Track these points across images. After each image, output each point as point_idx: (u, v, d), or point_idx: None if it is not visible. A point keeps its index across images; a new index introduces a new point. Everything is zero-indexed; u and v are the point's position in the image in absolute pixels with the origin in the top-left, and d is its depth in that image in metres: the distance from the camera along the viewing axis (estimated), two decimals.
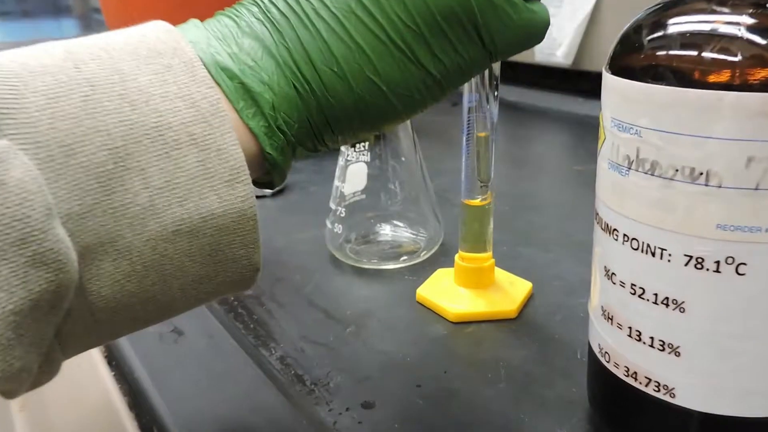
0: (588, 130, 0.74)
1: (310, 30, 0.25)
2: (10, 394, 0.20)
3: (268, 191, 0.58)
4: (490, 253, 0.39)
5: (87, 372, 0.40)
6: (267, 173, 0.25)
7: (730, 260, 0.21)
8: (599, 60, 0.79)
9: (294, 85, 0.24)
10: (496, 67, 0.35)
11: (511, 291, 0.39)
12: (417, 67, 0.25)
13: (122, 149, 0.21)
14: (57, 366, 0.22)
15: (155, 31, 0.23)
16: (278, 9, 0.25)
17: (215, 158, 0.22)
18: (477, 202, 0.38)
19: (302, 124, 0.25)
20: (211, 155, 0.22)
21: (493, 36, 0.26)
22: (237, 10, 0.26)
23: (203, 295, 0.24)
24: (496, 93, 0.36)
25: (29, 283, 0.18)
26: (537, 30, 0.27)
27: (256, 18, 0.25)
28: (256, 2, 0.25)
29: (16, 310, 0.18)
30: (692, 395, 0.23)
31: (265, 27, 0.25)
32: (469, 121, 0.36)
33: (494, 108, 0.36)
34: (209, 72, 0.23)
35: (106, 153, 0.20)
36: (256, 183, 0.26)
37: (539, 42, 0.28)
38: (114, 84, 0.21)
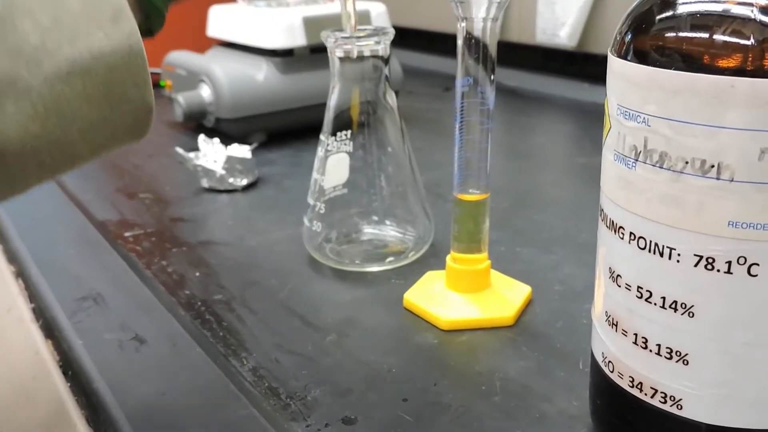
0: (594, 119, 0.75)
1: None
2: None
3: (239, 185, 0.58)
4: (485, 254, 0.40)
5: (41, 382, 0.40)
6: (147, 18, 0.30)
7: (742, 260, 0.22)
8: (606, 42, 0.80)
9: None
10: (493, 47, 0.36)
11: (508, 296, 0.40)
12: None
13: None
14: None
15: None
16: None
17: None
18: (472, 197, 0.38)
19: None
20: None
21: None
22: None
23: (104, 140, 0.28)
24: (492, 76, 0.37)
25: None
26: None
27: None
28: None
29: None
30: (700, 407, 0.24)
31: None
32: (462, 107, 0.37)
33: (490, 93, 0.37)
34: None
35: None
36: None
37: None
38: None
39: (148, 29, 0.31)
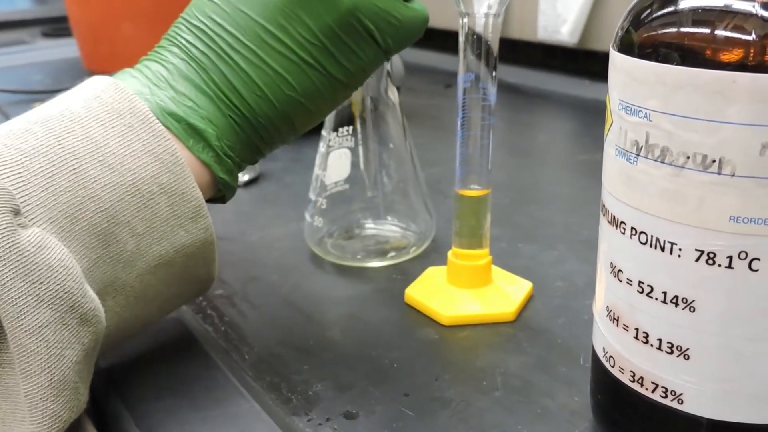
0: (595, 116, 0.75)
1: (230, 63, 0.32)
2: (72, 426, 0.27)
3: (240, 181, 0.58)
4: (486, 250, 0.40)
5: None
6: (219, 191, 0.33)
7: (743, 255, 0.22)
8: (608, 38, 0.80)
9: (229, 115, 0.32)
10: (494, 43, 0.36)
11: (509, 291, 0.40)
12: (327, 76, 0.33)
13: (111, 209, 0.28)
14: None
15: (107, 90, 0.30)
16: (197, 48, 0.32)
17: (180, 201, 0.30)
18: (473, 192, 0.39)
19: (242, 146, 0.33)
20: (177, 199, 0.30)
21: (385, 36, 0.34)
22: (161, 54, 0.33)
23: (173, 307, 0.34)
24: (494, 73, 0.37)
25: (82, 338, 0.26)
26: (419, 25, 0.36)
27: (180, 59, 0.32)
28: (175, 44, 0.32)
29: (78, 360, 0.26)
30: (701, 401, 0.24)
31: (191, 66, 0.32)
32: (464, 102, 0.37)
33: (492, 89, 0.37)
34: (158, 119, 0.30)
35: (100, 215, 0.28)
36: (211, 200, 0.34)
37: (422, 35, 0.36)
38: (92, 153, 0.28)
39: (221, 197, 0.34)
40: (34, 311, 0.24)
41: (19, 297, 0.24)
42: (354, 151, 0.45)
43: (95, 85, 0.31)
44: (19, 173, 0.26)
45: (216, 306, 0.40)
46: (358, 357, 0.36)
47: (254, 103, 0.32)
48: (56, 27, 1.36)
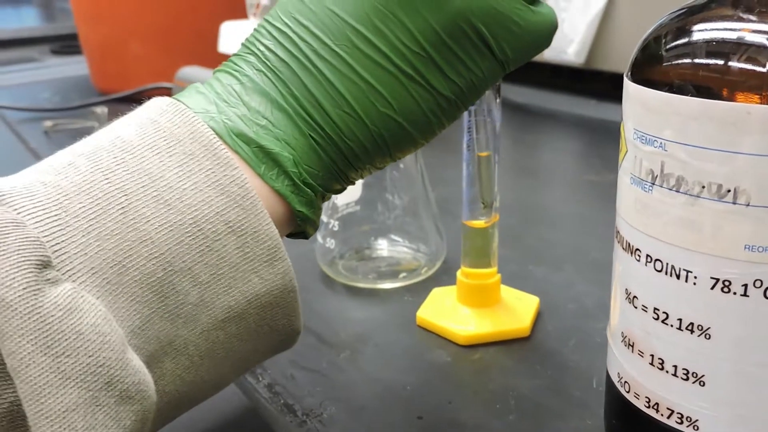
0: (602, 136, 0.76)
1: (314, 73, 0.26)
2: None
3: None
4: (494, 269, 0.40)
5: None
6: (298, 226, 0.28)
7: (758, 283, 0.23)
8: (614, 59, 0.81)
9: (310, 135, 0.26)
10: None
11: (519, 308, 0.40)
12: (430, 92, 0.27)
13: (168, 254, 0.23)
14: None
15: (165, 113, 0.25)
16: (277, 56, 0.27)
17: (252, 242, 0.25)
18: (480, 223, 0.39)
19: (325, 172, 0.27)
20: (248, 240, 0.25)
21: (502, 45, 0.28)
22: (235, 64, 0.27)
23: (250, 365, 0.28)
24: (498, 98, 0.37)
25: (123, 420, 0.21)
26: (546, 33, 0.29)
27: (257, 69, 0.27)
28: (253, 51, 0.27)
29: None
30: (717, 428, 0.24)
31: (268, 78, 0.27)
32: (469, 125, 0.37)
33: (497, 112, 0.37)
34: (225, 142, 0.25)
35: (154, 262, 0.23)
36: (291, 235, 0.29)
37: (548, 45, 0.30)
38: (146, 187, 0.23)
39: (302, 233, 0.29)
40: (58, 392, 0.20)
41: (39, 375, 0.20)
42: None
43: (153, 107, 0.26)
44: (56, 216, 0.22)
45: None
46: (371, 379, 0.36)
47: (341, 122, 0.26)
48: (65, 44, 1.37)
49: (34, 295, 0.20)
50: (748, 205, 0.22)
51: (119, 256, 0.22)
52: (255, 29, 0.28)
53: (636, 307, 0.26)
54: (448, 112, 0.28)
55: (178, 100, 0.26)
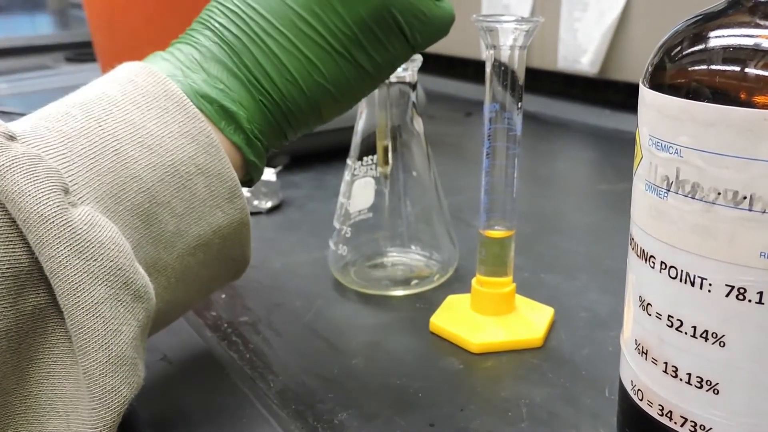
0: (615, 145, 0.76)
1: (263, 48, 0.32)
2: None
3: (263, 208, 0.59)
4: (510, 278, 0.40)
5: None
6: (247, 174, 0.33)
7: None
8: (628, 68, 0.81)
9: (259, 99, 0.32)
10: (521, 74, 0.37)
11: (533, 317, 0.40)
12: (356, 66, 0.33)
13: (152, 189, 0.28)
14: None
15: (140, 74, 0.30)
16: (231, 32, 0.32)
17: (217, 182, 0.30)
18: (498, 233, 0.39)
19: (271, 130, 0.33)
20: (213, 180, 0.30)
21: (414, 32, 0.34)
22: (193, 37, 0.33)
23: (210, 291, 0.34)
24: (519, 104, 0.37)
25: (137, 314, 0.26)
26: (446, 23, 0.36)
27: (213, 42, 0.32)
28: (208, 27, 0.33)
29: (134, 336, 0.26)
30: None
31: (223, 49, 0.32)
32: (490, 132, 0.38)
33: (517, 119, 0.37)
34: (192, 101, 0.30)
35: (142, 195, 0.28)
36: (241, 183, 0.33)
37: (447, 34, 0.37)
38: (132, 135, 0.29)
39: (249, 180, 0.34)
40: (89, 288, 0.24)
41: (75, 274, 0.24)
42: (378, 179, 0.45)
43: (128, 69, 0.31)
44: (64, 154, 0.26)
45: (241, 333, 0.41)
46: (382, 386, 0.36)
47: (284, 88, 0.32)
48: (80, 52, 1.38)
49: (65, 210, 0.24)
50: (764, 212, 0.22)
51: (115, 189, 0.27)
52: (207, 8, 0.34)
53: (650, 315, 0.26)
54: (368, 84, 0.35)
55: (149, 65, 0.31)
